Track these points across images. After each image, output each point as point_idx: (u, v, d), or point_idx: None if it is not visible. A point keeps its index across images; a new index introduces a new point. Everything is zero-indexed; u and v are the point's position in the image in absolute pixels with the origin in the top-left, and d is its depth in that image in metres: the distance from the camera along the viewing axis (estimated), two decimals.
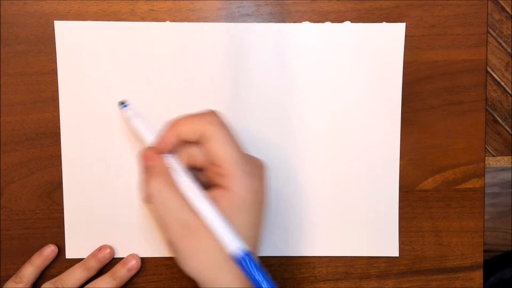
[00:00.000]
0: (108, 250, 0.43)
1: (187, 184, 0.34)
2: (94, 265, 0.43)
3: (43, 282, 0.43)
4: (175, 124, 0.35)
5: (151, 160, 0.35)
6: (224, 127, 0.34)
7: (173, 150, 0.35)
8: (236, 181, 0.33)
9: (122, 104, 0.39)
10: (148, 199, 0.34)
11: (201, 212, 0.33)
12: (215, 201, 0.33)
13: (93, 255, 0.43)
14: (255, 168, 0.35)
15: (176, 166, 0.35)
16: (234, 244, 0.32)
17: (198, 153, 0.35)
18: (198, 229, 0.33)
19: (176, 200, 0.33)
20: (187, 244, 0.33)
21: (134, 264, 0.44)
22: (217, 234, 0.32)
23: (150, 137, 0.36)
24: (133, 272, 0.44)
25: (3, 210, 0.44)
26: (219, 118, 0.35)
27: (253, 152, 0.44)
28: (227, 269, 0.33)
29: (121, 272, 0.43)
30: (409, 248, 0.46)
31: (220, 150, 0.33)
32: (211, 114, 0.35)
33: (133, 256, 0.44)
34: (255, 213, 0.34)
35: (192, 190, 0.33)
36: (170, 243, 0.34)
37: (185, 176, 0.34)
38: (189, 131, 0.34)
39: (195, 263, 0.33)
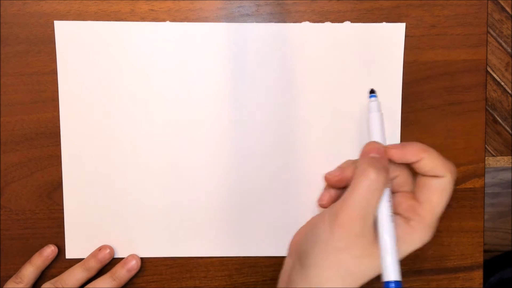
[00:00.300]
0: (108, 250, 0.43)
1: (387, 201, 0.33)
2: (94, 265, 0.43)
3: (43, 282, 0.43)
4: (425, 149, 0.33)
5: (383, 156, 0.33)
6: (455, 176, 0.33)
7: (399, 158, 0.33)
8: (423, 233, 0.32)
9: (372, 93, 0.36)
10: (350, 177, 0.32)
11: (385, 231, 0.32)
12: (397, 229, 0.32)
13: (93, 255, 0.43)
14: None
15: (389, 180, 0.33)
16: (394, 274, 0.31)
17: (406, 180, 0.34)
18: (372, 238, 0.31)
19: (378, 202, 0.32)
20: (351, 241, 0.30)
21: (134, 264, 0.43)
22: (385, 255, 0.31)
23: (381, 138, 0.35)
24: (133, 272, 0.44)
25: (3, 210, 0.44)
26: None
27: (253, 151, 0.44)
28: (358, 283, 0.31)
29: (121, 273, 0.43)
30: None
31: (435, 201, 0.32)
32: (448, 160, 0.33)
33: (133, 256, 0.44)
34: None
35: (388, 209, 0.32)
36: (325, 226, 0.31)
37: (389, 193, 0.33)
38: (418, 156, 0.32)
39: (337, 262, 0.31)
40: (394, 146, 0.33)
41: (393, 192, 0.34)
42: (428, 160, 0.33)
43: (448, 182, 0.32)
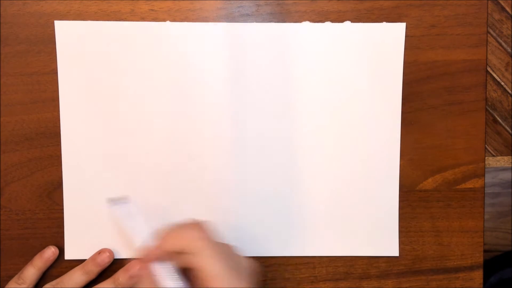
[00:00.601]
0: (107, 254, 0.43)
1: None
2: (94, 269, 0.43)
3: (43, 282, 0.43)
4: (161, 239, 0.35)
5: (138, 270, 0.36)
6: (206, 241, 0.34)
7: (163, 257, 0.36)
8: None
9: (113, 201, 0.38)
10: None
11: None
12: None
13: (92, 258, 0.43)
14: (243, 276, 0.35)
15: (163, 273, 0.35)
16: None
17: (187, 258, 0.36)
18: None
19: None
20: None
21: (137, 271, 0.43)
22: None
23: (138, 242, 0.37)
24: (136, 279, 0.43)
25: (3, 210, 0.44)
26: (202, 231, 0.35)
27: (253, 151, 0.44)
28: None
29: (124, 279, 0.43)
30: (409, 248, 0.46)
31: (203, 265, 0.34)
32: (194, 229, 0.35)
33: (136, 262, 0.43)
34: None
35: None
36: None
37: (173, 282, 0.35)
38: (173, 247, 0.35)
39: None
40: (145, 255, 0.36)
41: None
42: (170, 249, 0.35)
43: (194, 249, 0.34)
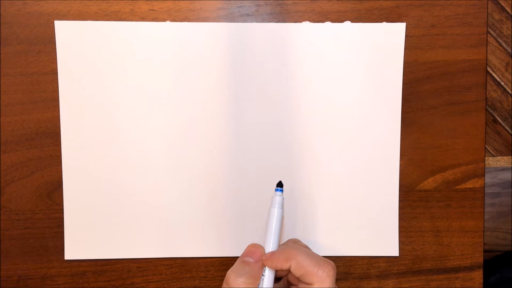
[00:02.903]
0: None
1: None
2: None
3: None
4: (293, 252, 0.35)
5: (258, 260, 0.36)
6: (332, 283, 0.34)
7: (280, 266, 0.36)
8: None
9: (279, 186, 0.39)
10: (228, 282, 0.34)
11: None
12: None
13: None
14: (331, 269, 0.36)
15: (266, 278, 0.36)
16: None
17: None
18: None
19: None
20: None
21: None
22: None
23: (272, 240, 0.37)
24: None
25: (3, 210, 0.44)
26: (334, 272, 0.35)
27: (253, 151, 0.44)
28: None
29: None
30: (409, 248, 0.46)
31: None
32: (330, 266, 0.35)
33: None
34: None
35: None
36: None
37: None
38: (299, 270, 0.34)
39: None
40: (268, 254, 0.36)
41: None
42: (295, 268, 0.34)
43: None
